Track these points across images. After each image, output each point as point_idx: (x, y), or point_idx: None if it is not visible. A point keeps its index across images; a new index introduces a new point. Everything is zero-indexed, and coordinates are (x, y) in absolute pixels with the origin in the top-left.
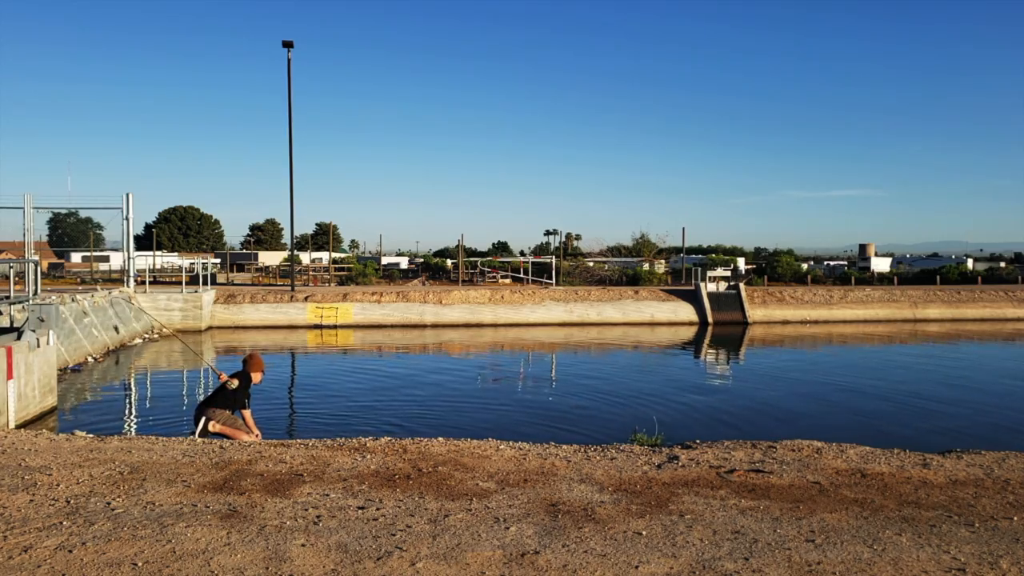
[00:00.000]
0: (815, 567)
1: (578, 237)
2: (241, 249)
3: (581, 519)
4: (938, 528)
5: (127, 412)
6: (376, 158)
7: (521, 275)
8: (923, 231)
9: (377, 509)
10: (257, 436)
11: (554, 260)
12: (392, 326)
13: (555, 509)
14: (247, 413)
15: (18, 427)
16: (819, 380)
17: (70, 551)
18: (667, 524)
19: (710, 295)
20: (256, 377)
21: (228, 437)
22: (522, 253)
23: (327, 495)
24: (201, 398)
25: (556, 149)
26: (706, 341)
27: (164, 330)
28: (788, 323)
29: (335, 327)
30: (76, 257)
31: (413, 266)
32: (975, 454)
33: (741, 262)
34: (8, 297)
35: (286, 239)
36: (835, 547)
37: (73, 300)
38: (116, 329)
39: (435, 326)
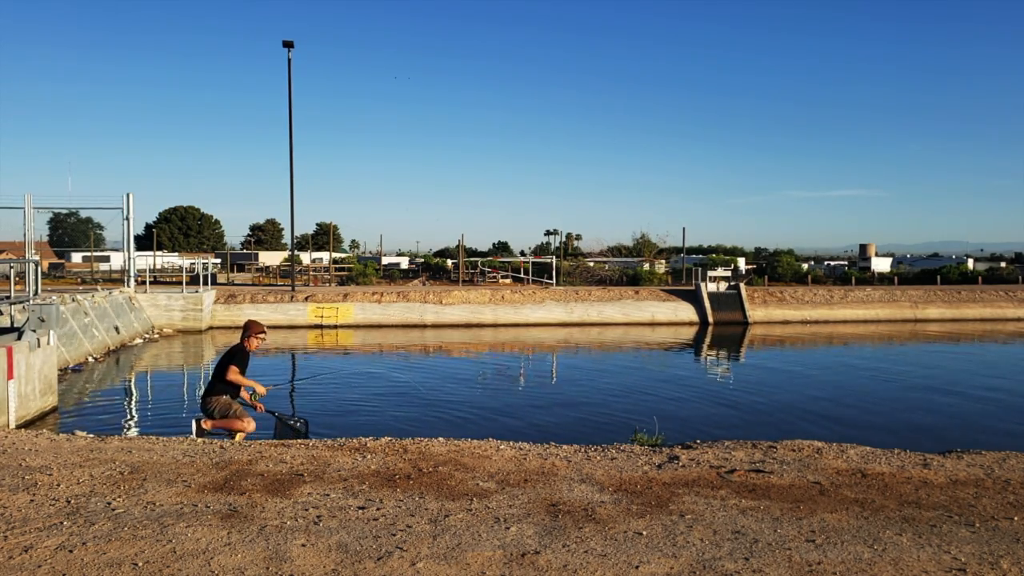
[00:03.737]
0: (815, 567)
1: (578, 237)
2: (241, 249)
3: (581, 519)
4: (938, 528)
5: (127, 412)
6: (376, 158)
7: (521, 275)
8: (923, 231)
9: (377, 509)
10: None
11: (554, 260)
12: (392, 326)
13: (555, 509)
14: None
15: (18, 427)
16: (819, 380)
17: (70, 551)
18: (667, 524)
19: (710, 295)
20: (253, 344)
21: (227, 430)
22: (522, 253)
23: (327, 495)
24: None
25: (556, 149)
26: (706, 341)
27: (165, 330)
28: (788, 323)
29: (335, 327)
30: (76, 257)
31: (413, 266)
32: (975, 454)
33: (741, 262)
34: (8, 297)
35: (286, 239)
36: (835, 547)
37: (74, 300)
38: (116, 329)
39: (435, 326)
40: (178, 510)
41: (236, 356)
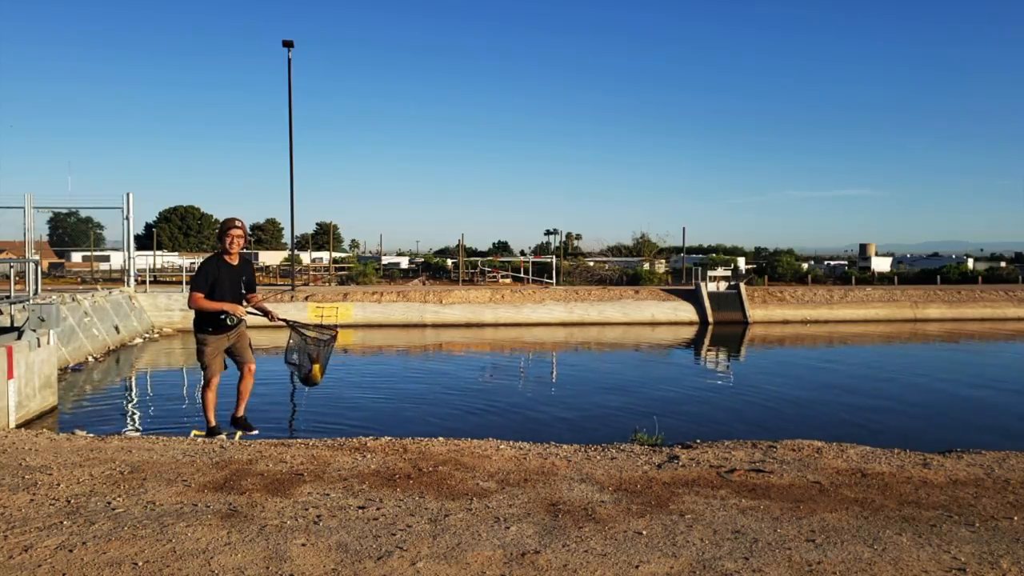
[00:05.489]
0: (815, 567)
1: (578, 237)
2: (242, 249)
3: (581, 519)
4: (938, 528)
5: (127, 412)
6: (376, 158)
7: (521, 275)
8: (923, 231)
9: (377, 509)
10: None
11: (554, 260)
12: (392, 326)
13: (555, 509)
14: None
15: (18, 427)
16: (819, 379)
17: (70, 550)
18: (667, 524)
19: (710, 295)
20: (232, 245)
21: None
22: (522, 253)
23: (327, 495)
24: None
25: (556, 149)
26: (706, 341)
27: (164, 329)
28: (788, 323)
29: (335, 327)
30: (77, 257)
31: (413, 266)
32: (975, 454)
33: (741, 262)
34: (8, 297)
35: (286, 239)
36: (835, 547)
37: (74, 300)
38: (116, 329)
39: (435, 326)
40: (178, 510)
41: (200, 273)
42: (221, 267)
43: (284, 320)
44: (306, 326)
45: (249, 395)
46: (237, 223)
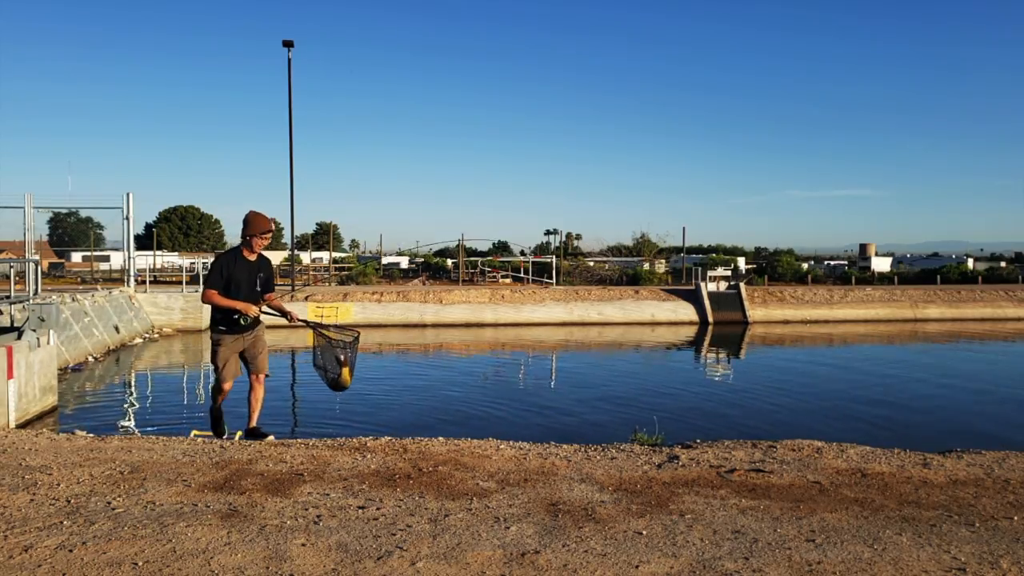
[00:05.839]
0: (815, 567)
1: (578, 237)
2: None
3: (581, 519)
4: (938, 528)
5: (127, 412)
6: (376, 158)
7: (521, 275)
8: (923, 231)
9: (377, 509)
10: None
11: (554, 260)
12: (392, 326)
13: (555, 509)
14: (271, 299)
15: (18, 427)
16: (819, 379)
17: (70, 550)
18: (667, 524)
19: (710, 295)
20: (257, 245)
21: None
22: (522, 253)
23: (327, 495)
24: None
25: (556, 149)
26: (706, 341)
27: (165, 330)
28: (788, 323)
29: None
30: (76, 257)
31: (413, 266)
32: (975, 454)
33: (741, 262)
34: (8, 297)
35: (286, 239)
36: (835, 547)
37: (74, 300)
38: (116, 329)
39: (435, 326)
40: (178, 510)
41: (214, 268)
42: (238, 263)
43: (303, 321)
44: (327, 327)
45: (261, 406)
46: (271, 228)
